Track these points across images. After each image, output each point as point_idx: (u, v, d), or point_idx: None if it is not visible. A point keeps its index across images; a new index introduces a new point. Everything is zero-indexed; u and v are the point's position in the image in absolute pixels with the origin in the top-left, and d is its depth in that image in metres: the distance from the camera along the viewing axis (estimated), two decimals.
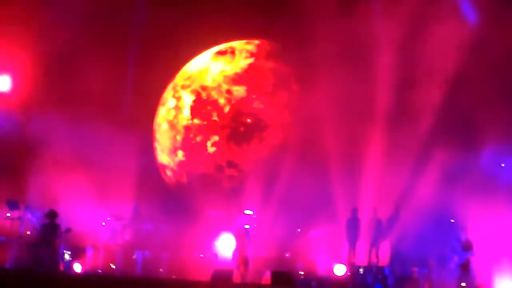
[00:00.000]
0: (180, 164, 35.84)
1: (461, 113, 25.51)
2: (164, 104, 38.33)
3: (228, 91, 36.77)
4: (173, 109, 37.50)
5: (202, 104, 36.82)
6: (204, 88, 36.99)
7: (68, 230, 21.80)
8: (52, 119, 26.38)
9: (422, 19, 25.17)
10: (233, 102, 36.50)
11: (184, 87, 37.09)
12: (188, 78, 37.35)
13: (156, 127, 37.47)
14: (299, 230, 25.45)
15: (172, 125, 37.78)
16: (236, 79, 36.84)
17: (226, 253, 23.34)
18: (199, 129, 36.80)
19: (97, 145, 26.73)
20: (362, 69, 26.29)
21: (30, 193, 25.41)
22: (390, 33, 25.70)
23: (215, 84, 37.35)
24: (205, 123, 36.37)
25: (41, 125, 26.25)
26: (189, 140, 36.77)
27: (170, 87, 37.84)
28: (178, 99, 37.29)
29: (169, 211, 26.74)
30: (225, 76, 37.62)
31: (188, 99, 36.93)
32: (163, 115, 38.03)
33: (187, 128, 37.38)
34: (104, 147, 26.80)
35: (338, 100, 26.08)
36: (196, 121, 37.15)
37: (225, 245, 23.67)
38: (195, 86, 37.27)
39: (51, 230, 21.68)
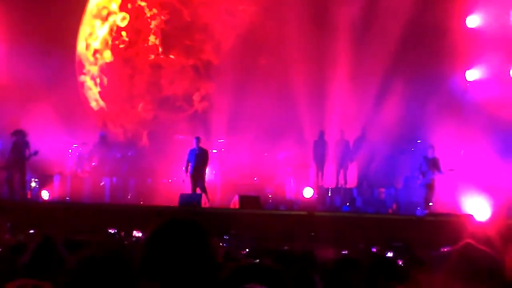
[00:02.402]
0: (140, 121, 29.09)
1: (429, 30, 25.38)
2: (104, 19, 30.03)
3: (230, 11, 28.96)
4: (125, 32, 29.69)
5: (184, 29, 29.54)
6: (186, 2, 29.41)
7: (36, 152, 21.51)
8: (16, 48, 25.81)
9: None
10: (238, 30, 28.51)
11: None
12: None
13: (85, 52, 29.85)
14: (265, 154, 25.46)
15: (126, 59, 29.79)
16: None
17: None
18: (180, 71, 29.38)
19: (62, 72, 26.49)
20: None
21: None
22: None
23: None
24: (190, 62, 29.03)
25: (4, 55, 25.84)
26: (159, 87, 29.52)
27: None
28: (136, 14, 29.45)
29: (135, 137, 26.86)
30: None
31: (154, 17, 29.48)
32: (104, 37, 29.96)
33: (155, 66, 29.74)
34: (70, 74, 26.77)
35: (300, 17, 25.75)
36: (173, 57, 29.29)
37: None
38: None
39: (20, 149, 21.45)
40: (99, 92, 29.31)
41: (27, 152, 21.38)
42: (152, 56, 29.12)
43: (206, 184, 22.32)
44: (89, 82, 29.38)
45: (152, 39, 29.09)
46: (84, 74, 29.45)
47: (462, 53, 24.61)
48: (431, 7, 24.75)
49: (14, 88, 25.21)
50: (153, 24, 29.06)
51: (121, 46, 29.34)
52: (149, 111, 28.79)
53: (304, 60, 25.41)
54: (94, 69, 29.44)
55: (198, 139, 22.22)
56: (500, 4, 24.56)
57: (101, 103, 29.19)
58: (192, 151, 22.01)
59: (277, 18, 27.07)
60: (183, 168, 22.04)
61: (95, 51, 29.41)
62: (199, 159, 21.85)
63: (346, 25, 25.35)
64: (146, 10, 29.17)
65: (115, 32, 29.44)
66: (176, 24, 29.06)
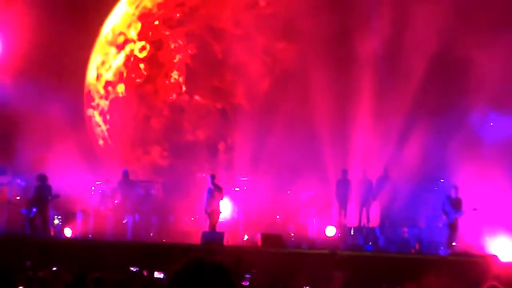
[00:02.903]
0: (154, 168, 26.34)
1: (450, 68, 25.53)
2: (120, 47, 27.01)
3: (267, 49, 25.94)
4: (144, 64, 26.58)
5: (214, 67, 26.09)
6: (217, 32, 26.23)
7: (57, 196, 21.75)
8: (38, 87, 25.55)
9: None
10: (276, 71, 25.87)
11: (168, 22, 26.30)
12: (180, 4, 26.36)
13: (95, 83, 27.27)
14: (288, 192, 25.32)
15: (142, 96, 26.70)
16: (281, 26, 25.63)
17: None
18: (205, 116, 26.07)
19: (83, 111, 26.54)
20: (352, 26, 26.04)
21: (18, 159, 25.47)
22: None
23: (241, 31, 26.08)
24: (218, 105, 25.84)
25: (28, 93, 25.68)
26: (179, 132, 26.55)
27: (125, 12, 26.63)
28: (158, 44, 26.37)
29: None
30: (258, 17, 26.19)
31: (179, 50, 26.26)
32: (118, 68, 26.93)
33: (176, 108, 26.54)
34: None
35: (326, 60, 25.63)
36: (198, 98, 25.88)
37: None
38: (197, 24, 26.18)
39: (42, 193, 21.59)
40: (108, 130, 27.15)
41: (49, 196, 21.66)
42: (174, 96, 26.18)
43: (228, 222, 22.71)
44: (97, 118, 27.27)
45: (175, 75, 26.31)
46: (93, 108, 27.31)
47: (484, 91, 24.34)
48: (453, 45, 24.93)
49: (36, 125, 25.41)
50: (178, 58, 26.31)
51: (138, 80, 26.57)
52: (165, 158, 26.27)
53: (327, 100, 25.35)
54: (104, 104, 27.05)
55: (212, 177, 22.47)
56: None
57: (110, 142, 27.08)
58: (208, 189, 22.30)
59: (301, 58, 26.64)
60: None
61: (107, 83, 27.13)
62: (211, 195, 22.08)
63: (370, 65, 25.60)
64: (170, 41, 26.37)
65: (132, 63, 26.76)
66: (205, 61, 26.12)
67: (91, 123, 27.16)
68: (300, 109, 26.35)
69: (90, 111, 27.10)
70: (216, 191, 22.24)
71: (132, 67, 26.56)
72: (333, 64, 25.67)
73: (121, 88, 26.58)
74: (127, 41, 26.85)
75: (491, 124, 25.38)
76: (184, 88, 26.49)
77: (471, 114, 25.47)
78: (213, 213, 21.95)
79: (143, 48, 26.72)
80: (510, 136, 24.29)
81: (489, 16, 24.31)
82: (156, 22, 26.56)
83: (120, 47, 26.83)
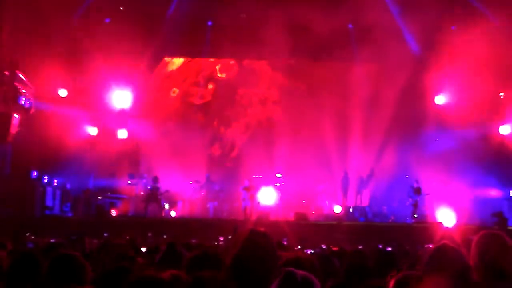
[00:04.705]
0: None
1: (414, 105, 25.70)
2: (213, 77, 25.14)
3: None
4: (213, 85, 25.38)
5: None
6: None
7: (167, 191, 22.85)
8: (148, 126, 26.17)
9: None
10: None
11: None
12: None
13: (190, 87, 25.08)
14: (303, 201, 25.43)
15: (209, 114, 25.40)
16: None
17: (266, 202, 23.07)
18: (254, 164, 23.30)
19: (181, 141, 26.03)
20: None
21: (142, 169, 25.89)
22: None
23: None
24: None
25: (148, 132, 26.33)
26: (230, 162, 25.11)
27: None
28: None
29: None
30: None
31: (264, 101, 25.82)
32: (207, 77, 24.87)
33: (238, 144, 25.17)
34: (185, 142, 26.07)
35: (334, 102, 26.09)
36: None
37: (265, 196, 23.25)
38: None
39: (155, 190, 22.51)
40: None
41: (159, 192, 22.53)
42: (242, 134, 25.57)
43: (272, 206, 22.88)
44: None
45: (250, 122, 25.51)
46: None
47: (432, 121, 25.09)
48: (414, 91, 24.99)
49: (154, 150, 25.75)
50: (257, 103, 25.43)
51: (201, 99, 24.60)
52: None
53: (336, 126, 25.65)
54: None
55: (249, 180, 22.86)
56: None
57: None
58: (242, 187, 22.72)
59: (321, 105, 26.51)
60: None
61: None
62: (246, 190, 22.49)
63: (361, 103, 25.67)
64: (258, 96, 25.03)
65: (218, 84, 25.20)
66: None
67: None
68: (318, 133, 26.08)
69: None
70: (247, 189, 22.37)
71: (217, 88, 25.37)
72: (340, 104, 26.04)
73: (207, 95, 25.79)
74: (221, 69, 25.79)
75: (437, 139, 25.46)
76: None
77: (424, 134, 25.75)
78: (251, 201, 22.45)
79: (224, 69, 25.46)
80: (448, 148, 24.28)
81: (441, 65, 23.46)
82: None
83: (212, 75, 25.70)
